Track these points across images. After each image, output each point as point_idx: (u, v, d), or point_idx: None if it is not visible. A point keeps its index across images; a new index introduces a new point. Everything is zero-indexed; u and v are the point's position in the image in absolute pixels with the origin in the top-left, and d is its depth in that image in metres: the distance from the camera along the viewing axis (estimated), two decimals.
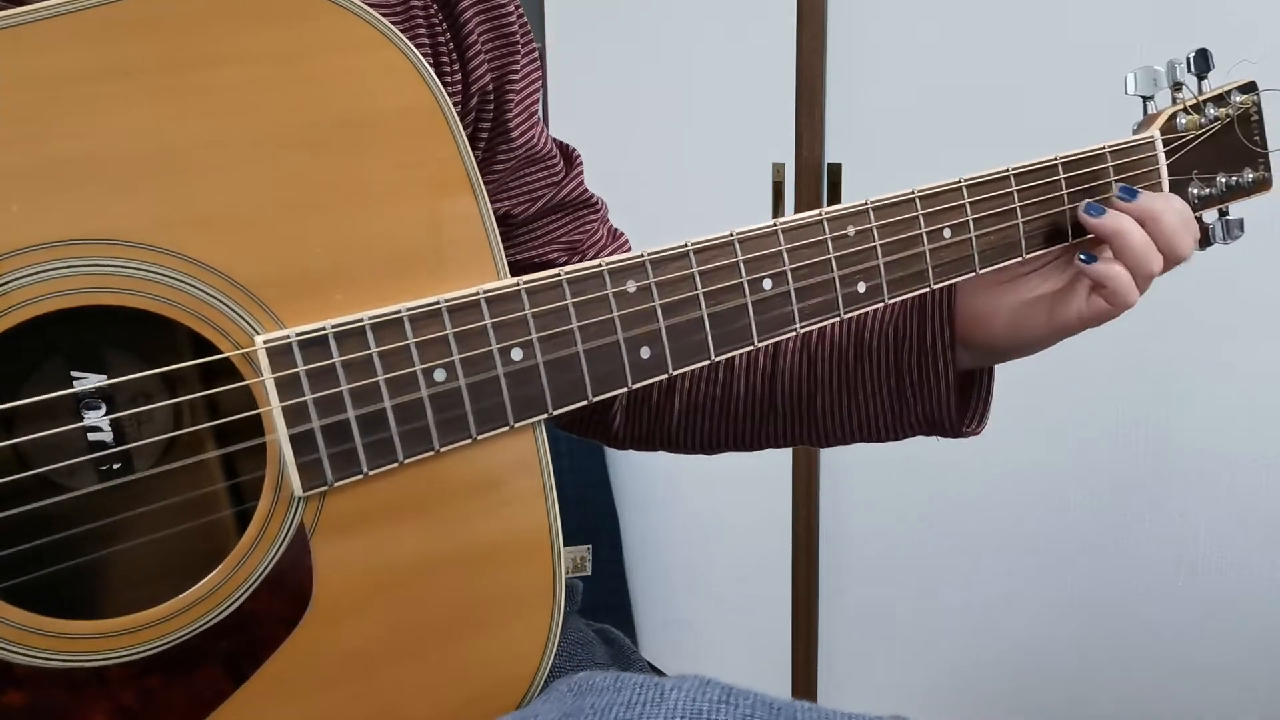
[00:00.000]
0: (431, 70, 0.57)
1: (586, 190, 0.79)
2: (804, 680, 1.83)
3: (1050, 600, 1.58)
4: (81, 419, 0.52)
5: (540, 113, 0.75)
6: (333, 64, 0.55)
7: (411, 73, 0.56)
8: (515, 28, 0.71)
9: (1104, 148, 0.76)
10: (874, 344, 0.77)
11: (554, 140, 0.77)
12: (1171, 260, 0.72)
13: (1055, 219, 0.74)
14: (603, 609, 2.05)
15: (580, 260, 0.78)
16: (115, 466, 0.55)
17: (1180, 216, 0.72)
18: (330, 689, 0.56)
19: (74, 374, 0.53)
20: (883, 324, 0.77)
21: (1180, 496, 1.43)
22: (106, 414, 0.53)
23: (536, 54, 0.74)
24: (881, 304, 0.69)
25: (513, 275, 0.58)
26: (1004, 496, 1.58)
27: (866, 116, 1.56)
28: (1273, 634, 1.39)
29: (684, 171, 1.53)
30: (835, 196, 1.58)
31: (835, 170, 1.58)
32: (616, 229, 0.82)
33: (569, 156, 0.78)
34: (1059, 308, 0.73)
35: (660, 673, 0.62)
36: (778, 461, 1.74)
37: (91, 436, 0.53)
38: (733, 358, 0.79)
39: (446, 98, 0.57)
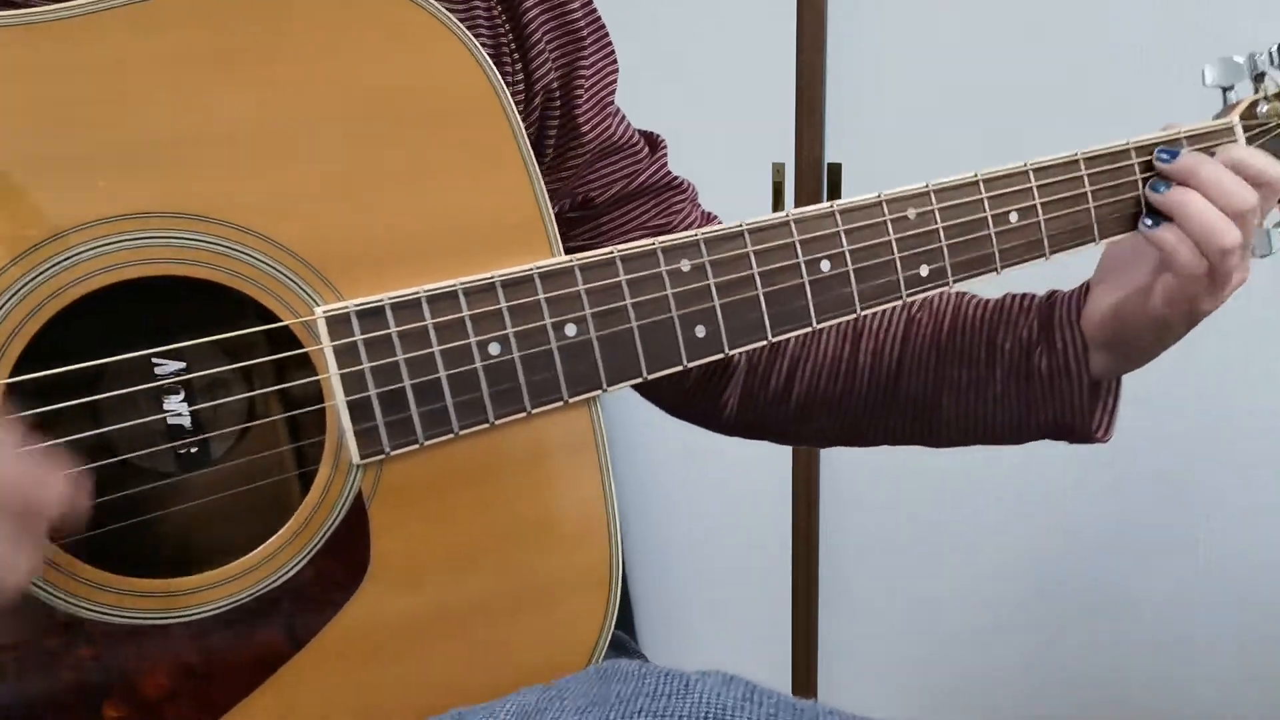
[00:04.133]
0: (486, 55, 0.59)
1: (670, 173, 0.79)
2: (804, 680, 1.81)
3: (1051, 600, 1.56)
4: (160, 395, 0.55)
5: (615, 103, 0.76)
6: (392, 49, 0.57)
7: (468, 59, 0.58)
8: (581, 23, 0.71)
9: (1180, 132, 0.74)
10: (1007, 345, 0.75)
11: (638, 129, 0.78)
12: (1232, 213, 0.68)
13: (1128, 203, 0.73)
14: None
15: None
16: (191, 448, 0.58)
17: (1221, 169, 0.69)
18: (385, 657, 0.56)
19: (154, 359, 0.56)
20: (1016, 324, 0.76)
21: (1183, 496, 1.41)
22: (182, 389, 0.56)
23: (610, 46, 0.74)
24: (946, 287, 0.68)
25: None
26: (1005, 495, 1.56)
27: (866, 116, 1.56)
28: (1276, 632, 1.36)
29: (684, 171, 1.54)
30: (835, 196, 1.57)
31: (835, 170, 1.58)
32: (710, 212, 0.82)
33: (653, 142, 0.79)
34: (1156, 293, 0.70)
35: None
36: (778, 461, 1.73)
37: (167, 405, 0.56)
38: (857, 349, 0.78)
39: (501, 82, 0.59)
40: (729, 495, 1.84)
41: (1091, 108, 1.33)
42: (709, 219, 0.82)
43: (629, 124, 0.77)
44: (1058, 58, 1.39)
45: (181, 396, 0.56)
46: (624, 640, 0.82)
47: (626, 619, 2.09)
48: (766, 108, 1.60)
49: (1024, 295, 0.78)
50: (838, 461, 1.72)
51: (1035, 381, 0.75)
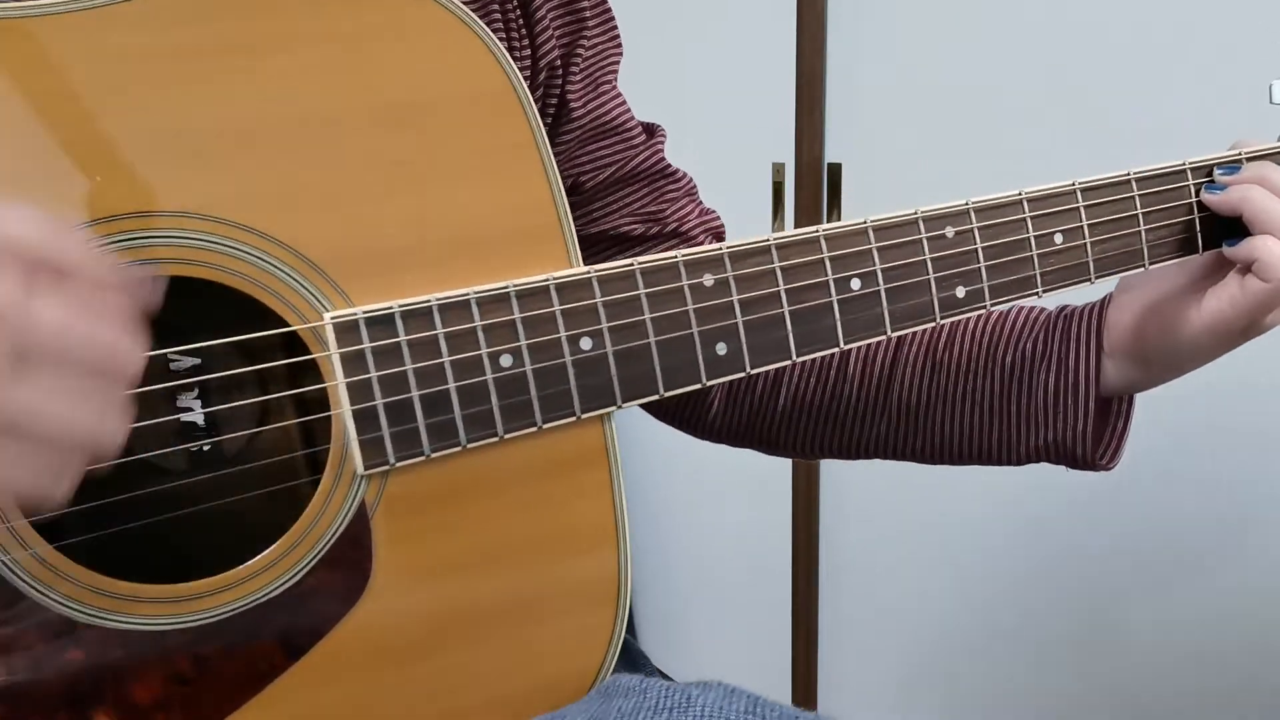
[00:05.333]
0: (506, 53, 0.57)
1: (666, 162, 0.77)
2: (804, 680, 1.80)
3: (1052, 603, 1.54)
4: (175, 394, 0.54)
5: (615, 85, 0.74)
6: (409, 46, 0.55)
7: (486, 56, 0.57)
8: (585, 4, 0.70)
9: (1240, 153, 0.70)
10: (1008, 358, 0.72)
11: (639, 120, 0.76)
12: None
13: (1182, 227, 0.69)
14: None
15: (660, 233, 0.76)
16: (204, 447, 0.57)
17: None
18: (386, 669, 0.55)
19: (169, 356, 0.55)
20: (1020, 337, 0.73)
21: (1185, 501, 1.38)
22: (197, 388, 0.55)
23: (614, 29, 0.72)
24: (984, 309, 0.65)
25: (586, 247, 0.58)
26: (1005, 498, 1.53)
27: (866, 116, 1.54)
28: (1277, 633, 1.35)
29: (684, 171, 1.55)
30: (835, 196, 1.56)
31: (835, 170, 1.56)
32: (708, 208, 0.80)
33: (650, 130, 0.77)
34: (1209, 300, 0.67)
35: (669, 679, 0.60)
36: (778, 462, 1.71)
37: (180, 402, 0.55)
38: (847, 355, 0.76)
39: (522, 81, 0.57)
40: (730, 496, 1.83)
41: (1093, 108, 1.30)
42: (706, 214, 0.79)
43: (628, 109, 0.75)
44: (1059, 58, 1.36)
45: (195, 394, 0.55)
46: (628, 642, 0.80)
47: (627, 621, 2.09)
48: (766, 108, 1.59)
49: (1030, 308, 0.74)
50: (838, 464, 1.69)
51: (1036, 399, 0.72)
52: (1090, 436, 0.72)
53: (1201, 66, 1.23)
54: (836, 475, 1.71)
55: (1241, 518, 1.36)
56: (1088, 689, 1.54)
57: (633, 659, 0.78)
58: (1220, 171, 0.69)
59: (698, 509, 1.92)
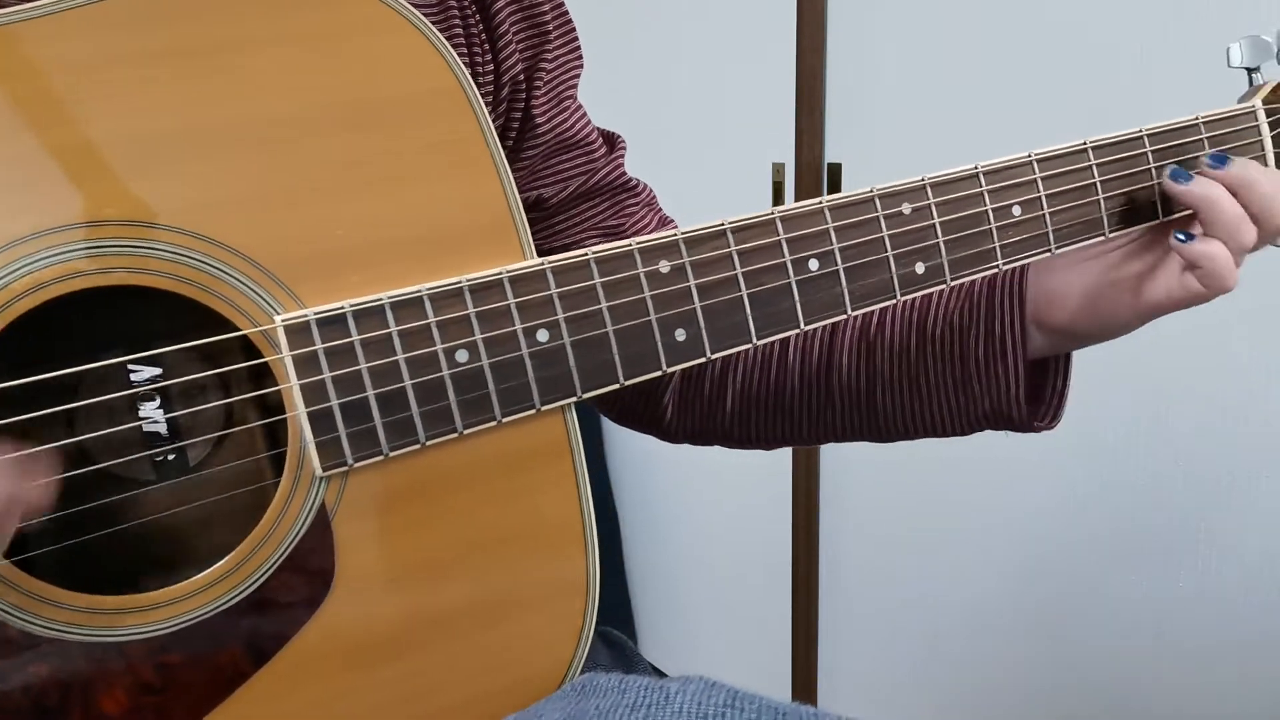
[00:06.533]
0: (454, 52, 0.56)
1: (626, 175, 0.77)
2: (804, 680, 1.81)
3: (1051, 600, 1.54)
4: (136, 402, 0.54)
5: (577, 99, 0.74)
6: (355, 47, 0.55)
7: (434, 55, 0.56)
8: (548, 17, 0.70)
9: (1197, 118, 0.70)
10: (937, 331, 0.72)
11: (599, 129, 0.76)
12: (1267, 233, 0.65)
13: (1142, 195, 0.69)
14: (603, 609, 2.01)
15: None
16: (169, 454, 0.57)
17: (1277, 185, 0.66)
18: (355, 672, 0.55)
19: (129, 366, 0.54)
20: (947, 310, 0.72)
21: (1185, 498, 1.38)
22: (158, 396, 0.54)
23: (575, 42, 0.72)
24: (944, 285, 0.65)
25: None
26: (1006, 495, 1.54)
27: (866, 116, 1.54)
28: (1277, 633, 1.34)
29: (684, 171, 1.55)
30: None
31: (835, 170, 1.56)
32: (667, 217, 0.80)
33: (611, 141, 0.77)
34: (1147, 287, 0.67)
35: (663, 675, 0.60)
36: (778, 460, 1.72)
37: (142, 411, 0.55)
38: (786, 346, 0.76)
39: (469, 79, 0.57)
40: (729, 495, 1.84)
41: (1094, 107, 1.30)
42: (665, 224, 0.79)
43: (589, 122, 0.75)
44: (1059, 57, 1.36)
45: (157, 403, 0.55)
46: (623, 642, 0.80)
47: (626, 621, 2.10)
48: (766, 108, 1.59)
49: None
50: (838, 461, 1.70)
51: (969, 369, 0.71)
52: (1023, 402, 0.71)
53: (1202, 67, 1.23)
54: (836, 475, 1.71)
55: (1242, 517, 1.36)
56: (1088, 689, 1.54)
57: (628, 659, 0.78)
58: (1209, 161, 0.68)
59: (698, 510, 1.92)
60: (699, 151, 1.69)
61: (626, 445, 1.96)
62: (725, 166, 1.66)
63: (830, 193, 1.54)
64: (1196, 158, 0.69)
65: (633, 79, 1.78)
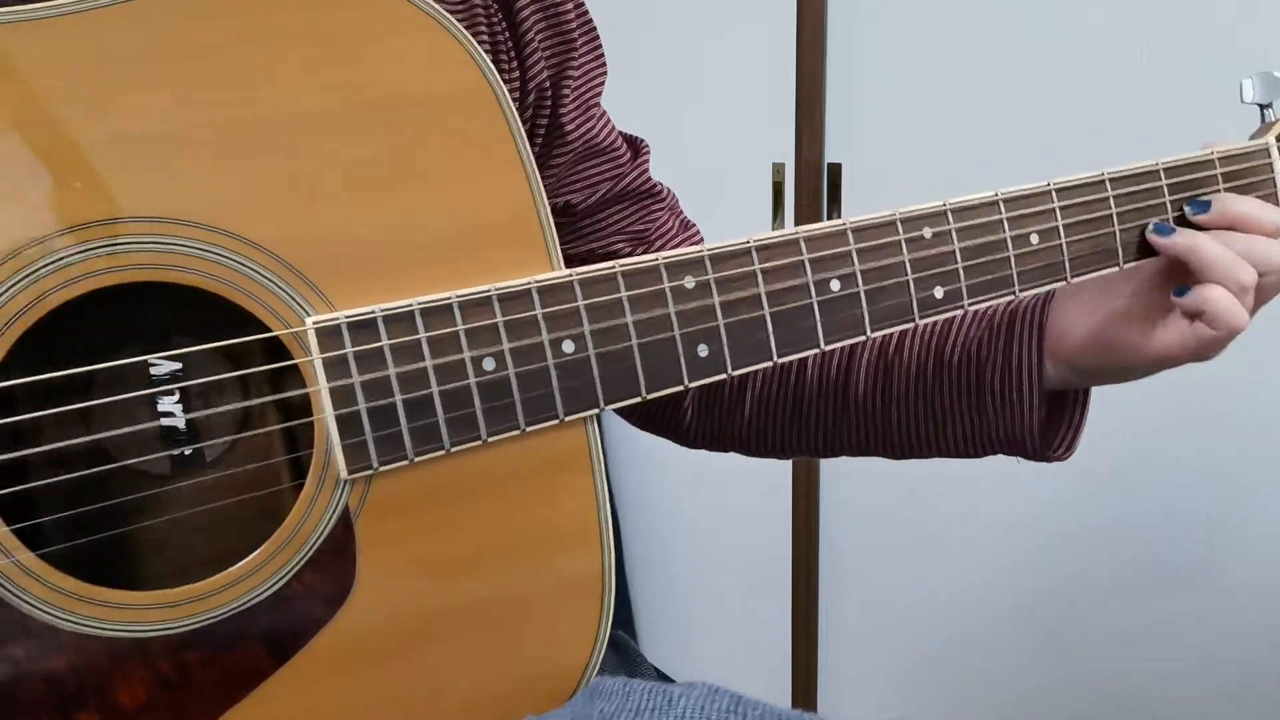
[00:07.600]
0: (483, 53, 0.57)
1: (651, 180, 0.78)
2: (804, 681, 1.81)
3: (1051, 601, 1.55)
4: (155, 398, 0.54)
5: (601, 105, 0.75)
6: (386, 47, 0.55)
7: (464, 57, 0.57)
8: (573, 25, 0.70)
9: (1212, 153, 0.71)
10: (955, 358, 0.73)
11: (621, 133, 0.77)
12: (1268, 266, 0.66)
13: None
14: None
15: (646, 250, 0.77)
16: (186, 450, 0.57)
17: (1275, 215, 0.67)
18: (373, 672, 0.55)
19: (149, 361, 0.54)
20: (966, 337, 0.73)
21: (1186, 501, 1.40)
22: (177, 392, 0.54)
23: (599, 49, 0.73)
24: (961, 309, 0.66)
25: (577, 266, 0.58)
26: (1006, 496, 1.55)
27: (866, 116, 1.55)
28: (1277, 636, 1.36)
29: (684, 171, 1.55)
30: (835, 196, 1.56)
31: (835, 170, 1.57)
32: (688, 220, 0.81)
33: (635, 147, 0.78)
34: (1159, 334, 0.68)
35: (667, 678, 0.60)
36: (778, 463, 1.72)
37: (161, 407, 0.55)
38: (805, 359, 0.76)
39: (500, 81, 0.57)
40: (730, 497, 1.84)
41: (1093, 108, 1.31)
42: (687, 228, 0.80)
43: (613, 127, 0.76)
44: (1058, 58, 1.37)
45: (177, 398, 0.55)
46: (626, 642, 0.81)
47: (627, 621, 2.10)
48: (766, 108, 1.59)
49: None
50: (838, 462, 1.70)
51: (985, 397, 0.73)
52: (1039, 432, 0.72)
53: (1204, 68, 1.24)
54: (837, 475, 1.71)
55: (1243, 519, 1.37)
56: (1088, 689, 1.55)
57: (631, 660, 0.78)
58: (1190, 209, 0.69)
59: (698, 510, 1.92)
60: (699, 151, 1.68)
61: (627, 445, 1.96)
62: (725, 166, 1.66)
63: (831, 193, 1.56)
64: (1215, 192, 0.70)
65: (632, 79, 1.76)
